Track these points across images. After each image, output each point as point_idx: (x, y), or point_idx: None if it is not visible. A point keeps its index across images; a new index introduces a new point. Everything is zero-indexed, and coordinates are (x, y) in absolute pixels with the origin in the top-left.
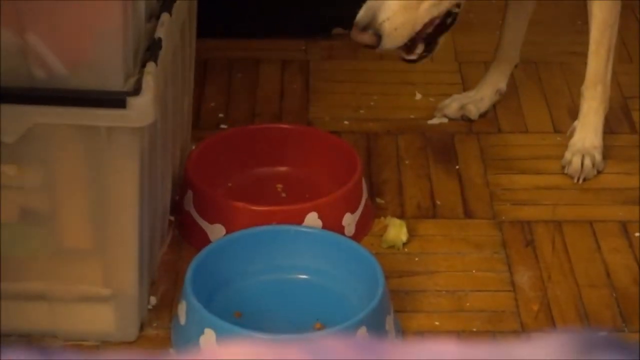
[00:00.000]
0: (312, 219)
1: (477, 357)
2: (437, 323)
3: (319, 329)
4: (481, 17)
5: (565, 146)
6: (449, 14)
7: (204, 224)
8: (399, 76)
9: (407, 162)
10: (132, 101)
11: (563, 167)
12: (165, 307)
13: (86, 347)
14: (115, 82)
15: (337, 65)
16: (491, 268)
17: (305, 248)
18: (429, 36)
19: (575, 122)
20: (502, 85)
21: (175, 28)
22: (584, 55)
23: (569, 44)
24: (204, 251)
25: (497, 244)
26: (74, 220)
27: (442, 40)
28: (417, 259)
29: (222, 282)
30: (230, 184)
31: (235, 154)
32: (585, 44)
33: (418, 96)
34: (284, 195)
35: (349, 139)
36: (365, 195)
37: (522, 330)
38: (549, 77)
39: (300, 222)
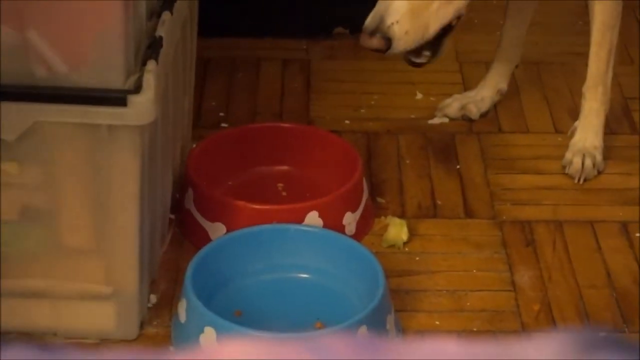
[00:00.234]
0: (313, 218)
1: (477, 357)
2: (437, 322)
3: (319, 328)
4: (482, 17)
5: (565, 146)
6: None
7: (204, 222)
8: (400, 76)
9: (407, 161)
10: (132, 99)
11: (564, 167)
12: (165, 306)
13: (86, 345)
14: (116, 80)
15: (338, 64)
16: (492, 268)
17: (305, 247)
18: (434, 38)
19: (576, 123)
20: (503, 85)
21: (176, 26)
22: (584, 55)
23: (570, 45)
24: (205, 250)
25: (497, 244)
26: (74, 218)
27: (447, 41)
28: (417, 258)
29: (223, 280)
30: (230, 183)
31: (236, 153)
32: (586, 44)
33: (419, 96)
34: (284, 194)
35: (350, 139)
36: (365, 195)
37: (522, 330)
38: (549, 78)
39: (300, 221)
